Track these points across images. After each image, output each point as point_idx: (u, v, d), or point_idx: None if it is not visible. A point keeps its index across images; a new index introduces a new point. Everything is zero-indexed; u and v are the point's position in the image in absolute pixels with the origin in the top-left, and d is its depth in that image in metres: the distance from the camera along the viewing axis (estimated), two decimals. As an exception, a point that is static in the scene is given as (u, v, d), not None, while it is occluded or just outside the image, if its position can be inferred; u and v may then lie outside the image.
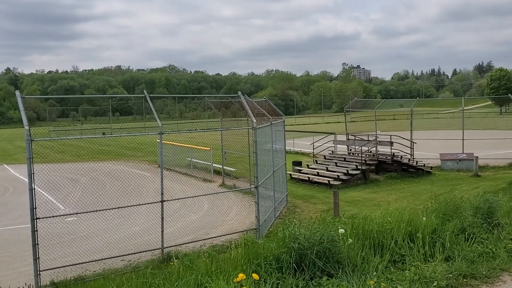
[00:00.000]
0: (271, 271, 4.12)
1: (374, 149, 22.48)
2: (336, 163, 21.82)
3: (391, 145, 21.73)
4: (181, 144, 24.30)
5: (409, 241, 5.15)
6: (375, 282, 4.09)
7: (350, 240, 4.66)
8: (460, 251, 5.23)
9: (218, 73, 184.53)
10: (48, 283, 9.51)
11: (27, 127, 9.27)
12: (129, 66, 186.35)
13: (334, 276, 4.22)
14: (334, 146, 24.83)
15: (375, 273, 4.41)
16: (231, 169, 21.57)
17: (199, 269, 4.03)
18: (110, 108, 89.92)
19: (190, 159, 24.40)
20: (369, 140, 23.02)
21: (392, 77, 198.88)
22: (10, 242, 12.94)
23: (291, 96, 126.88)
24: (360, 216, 6.09)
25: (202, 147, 23.65)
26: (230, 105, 21.64)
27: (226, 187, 19.78)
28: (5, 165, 31.83)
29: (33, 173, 9.39)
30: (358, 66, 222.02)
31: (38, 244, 9.37)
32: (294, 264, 4.21)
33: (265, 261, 4.21)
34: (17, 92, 9.84)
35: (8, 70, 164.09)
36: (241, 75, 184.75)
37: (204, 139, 25.35)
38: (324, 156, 23.93)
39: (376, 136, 23.69)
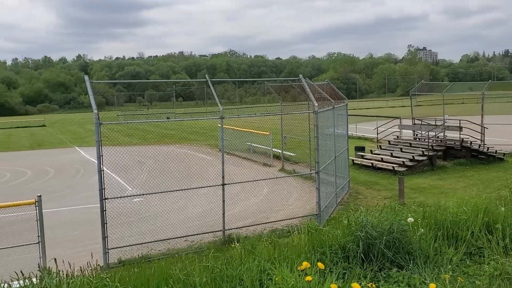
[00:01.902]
0: (336, 260, 3.96)
1: (442, 134, 21.43)
2: (401, 148, 21.04)
3: (460, 130, 20.61)
4: (241, 129, 24.42)
5: (486, 232, 4.76)
6: (451, 276, 3.80)
7: (422, 230, 4.37)
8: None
9: (278, 57, 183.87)
10: (116, 260, 9.91)
11: (95, 111, 9.59)
12: (191, 52, 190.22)
13: (404, 268, 3.98)
14: (399, 131, 23.94)
15: (449, 266, 4.11)
16: (291, 154, 21.42)
17: (261, 254, 3.94)
18: (174, 94, 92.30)
19: (249, 143, 24.50)
20: (436, 125, 21.96)
21: (460, 59, 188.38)
22: (80, 221, 13.61)
23: (353, 79, 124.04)
24: (428, 204, 5.75)
25: (261, 132, 23.64)
26: (290, 89, 21.35)
27: (285, 172, 19.68)
28: (76, 147, 33.62)
29: (102, 155, 9.72)
30: (424, 48, 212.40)
31: (106, 223, 9.76)
32: (361, 254, 4.01)
33: (330, 250, 4.04)
34: (86, 77, 10.20)
35: (79, 57, 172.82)
36: (301, 59, 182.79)
37: (263, 123, 25.28)
38: (389, 141, 23.15)
39: (444, 121, 22.56)
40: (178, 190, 12.00)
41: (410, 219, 4.43)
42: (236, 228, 11.69)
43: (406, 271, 3.92)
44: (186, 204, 14.08)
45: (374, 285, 3.60)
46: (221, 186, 11.37)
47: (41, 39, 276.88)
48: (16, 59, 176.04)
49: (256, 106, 63.81)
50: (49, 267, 3.80)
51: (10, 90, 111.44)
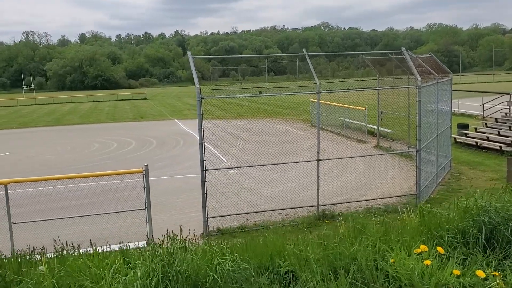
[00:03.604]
0: (456, 245, 3.76)
1: (560, 112, 19.40)
2: (510, 127, 19.39)
3: None
4: (335, 104, 23.97)
5: None
6: None
7: None
8: None
9: (374, 29, 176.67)
10: (214, 229, 10.36)
11: (197, 86, 9.93)
12: (284, 26, 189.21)
13: None
14: (508, 108, 22.05)
15: None
16: (387, 130, 20.66)
17: (373, 234, 3.86)
18: (266, 68, 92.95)
19: (343, 119, 24.01)
20: (554, 102, 19.91)
21: None
22: (182, 189, 14.36)
23: (455, 52, 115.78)
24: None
25: (356, 107, 23.03)
26: (386, 62, 20.42)
27: (381, 149, 19.09)
28: (175, 120, 35.36)
29: (203, 128, 10.08)
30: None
31: (206, 193, 10.21)
32: (483, 240, 3.77)
33: (448, 234, 3.84)
34: (189, 53, 10.56)
35: (176, 32, 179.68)
36: (399, 30, 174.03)
37: (357, 98, 24.60)
38: (496, 119, 21.43)
39: None
40: (273, 164, 12.16)
41: (539, 204, 4.07)
42: (330, 204, 11.62)
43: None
44: (279, 178, 14.24)
45: (499, 274, 3.38)
46: (316, 161, 11.32)
47: (142, 15, 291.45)
48: (120, 35, 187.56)
49: (350, 80, 62.22)
50: (172, 231, 4.05)
51: (115, 65, 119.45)
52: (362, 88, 18.72)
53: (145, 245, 5.76)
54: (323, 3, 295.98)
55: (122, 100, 61.87)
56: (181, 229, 4.08)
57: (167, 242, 3.72)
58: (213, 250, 3.57)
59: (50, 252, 4.42)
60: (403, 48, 12.48)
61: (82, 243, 5.03)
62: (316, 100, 11.48)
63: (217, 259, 3.35)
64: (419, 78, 11.26)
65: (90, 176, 10.46)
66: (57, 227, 8.75)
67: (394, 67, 18.75)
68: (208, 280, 3.24)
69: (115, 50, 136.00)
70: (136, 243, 5.82)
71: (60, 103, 59.89)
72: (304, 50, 11.47)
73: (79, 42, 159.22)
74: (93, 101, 61.32)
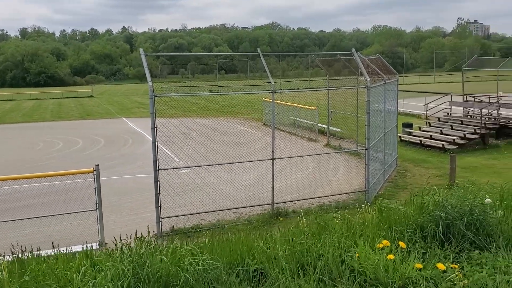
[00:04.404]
0: (415, 239, 3.94)
1: (496, 112, 20.61)
2: (451, 126, 20.42)
3: (516, 108, 19.77)
4: (287, 103, 24.29)
5: None
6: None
7: (501, 212, 4.27)
8: None
9: (322, 30, 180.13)
10: (168, 229, 10.24)
11: (150, 83, 9.79)
12: (234, 24, 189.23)
13: (484, 251, 3.91)
14: (450, 108, 23.19)
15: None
16: (336, 129, 21.20)
17: (336, 230, 3.98)
18: (217, 66, 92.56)
19: (295, 118, 24.39)
20: (490, 102, 21.13)
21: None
22: (133, 189, 14.07)
23: (399, 54, 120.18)
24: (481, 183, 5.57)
25: (308, 106, 23.45)
26: (333, 63, 20.96)
27: (332, 148, 19.56)
28: (123, 118, 34.54)
29: (156, 127, 9.92)
30: (476, 21, 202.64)
31: (160, 193, 10.07)
32: (440, 235, 3.96)
33: (407, 229, 4.02)
34: (141, 50, 10.39)
35: (124, 29, 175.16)
36: (345, 32, 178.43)
37: (307, 98, 25.04)
38: (438, 118, 22.49)
39: (498, 98, 21.65)
40: (227, 163, 12.17)
41: (488, 200, 4.32)
42: (284, 202, 11.79)
43: (489, 253, 3.86)
44: (233, 177, 14.27)
45: (457, 266, 3.58)
46: (271, 160, 11.45)
47: (88, 10, 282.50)
48: (64, 30, 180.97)
49: (300, 80, 63.11)
50: (141, 233, 3.98)
51: (59, 61, 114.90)
52: (315, 88, 19.09)
53: (98, 247, 5.61)
54: (271, 3, 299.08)
55: (68, 98, 59.64)
56: (149, 229, 4.02)
57: (136, 243, 3.65)
58: (182, 250, 3.55)
59: (6, 255, 4.22)
60: (353, 50, 12.84)
61: (32, 246, 4.84)
62: (269, 99, 11.60)
63: (189, 259, 3.33)
64: (369, 79, 11.63)
65: (37, 177, 10.05)
66: (3, 230, 8.36)
67: (342, 68, 19.27)
68: (180, 280, 3.22)
69: (59, 46, 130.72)
70: (88, 245, 5.65)
71: (1, 100, 56.89)
72: (258, 49, 11.57)
73: (19, 37, 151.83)
74: (37, 98, 58.68)
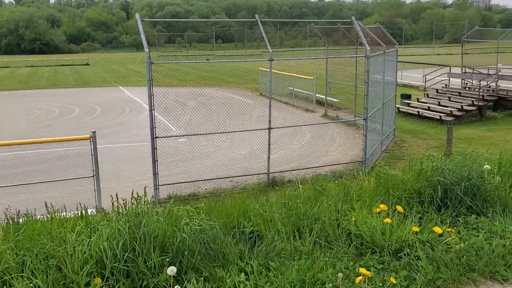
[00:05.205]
0: (412, 204, 3.95)
1: (494, 84, 20.52)
2: (449, 97, 20.36)
3: (515, 80, 19.67)
4: (284, 73, 24.05)
5: None
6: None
7: (499, 178, 4.28)
8: None
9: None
10: (165, 196, 10.29)
11: (147, 50, 9.64)
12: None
13: (481, 216, 3.95)
14: (448, 80, 23.07)
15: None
16: (334, 99, 21.09)
17: (334, 195, 3.99)
18: (214, 35, 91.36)
19: (292, 88, 24.19)
20: (489, 74, 21.01)
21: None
22: (130, 157, 14.06)
23: (398, 24, 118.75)
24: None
25: (305, 76, 23.24)
26: (332, 32, 20.69)
27: (329, 118, 19.50)
28: (120, 87, 34.25)
29: (153, 95, 9.83)
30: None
31: (157, 160, 10.07)
32: (438, 200, 3.99)
33: (405, 194, 4.03)
34: (137, 15, 10.18)
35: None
36: (345, 1, 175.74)
37: (304, 67, 24.80)
38: (436, 89, 22.40)
39: (497, 70, 21.52)
40: (224, 133, 12.15)
41: (487, 166, 4.33)
42: (280, 172, 11.83)
43: (485, 218, 3.89)
44: (229, 146, 14.27)
45: (454, 230, 3.61)
46: (267, 130, 11.41)
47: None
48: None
49: (298, 50, 62.49)
50: (137, 193, 3.98)
51: (54, 28, 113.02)
52: (313, 57, 18.83)
53: (94, 213, 5.61)
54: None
55: (63, 65, 58.92)
56: (145, 191, 4.02)
57: (132, 203, 3.65)
58: (179, 211, 3.56)
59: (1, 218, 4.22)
60: (353, 18, 12.63)
61: (29, 212, 4.84)
62: (266, 69, 11.48)
63: (185, 219, 3.34)
64: (368, 48, 11.50)
65: (33, 143, 10.00)
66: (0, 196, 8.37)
67: (341, 38, 19.03)
68: (176, 240, 3.24)
69: (54, 12, 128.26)
70: (84, 208, 5.66)
71: (-5, 67, 56.23)
72: (256, 16, 11.36)
73: (14, 3, 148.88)
74: (32, 66, 57.96)
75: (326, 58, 17.90)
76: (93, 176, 9.46)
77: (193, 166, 12.50)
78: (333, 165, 12.67)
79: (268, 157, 11.47)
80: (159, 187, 10.20)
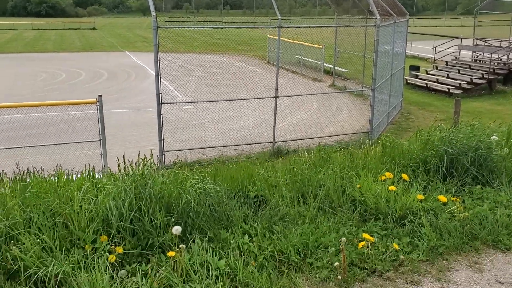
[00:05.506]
0: (418, 173, 3.95)
1: (506, 57, 20.18)
2: (459, 70, 20.08)
3: (527, 54, 19.33)
4: (292, 41, 23.70)
5: None
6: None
7: (506, 150, 4.25)
8: None
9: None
10: (171, 163, 10.34)
11: (154, 14, 9.51)
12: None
13: (486, 186, 3.94)
14: (458, 52, 22.69)
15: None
16: (342, 69, 20.85)
17: (337, 162, 3.99)
18: (222, 1, 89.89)
19: (299, 56, 23.90)
20: (501, 47, 20.64)
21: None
22: (136, 123, 14.08)
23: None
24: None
25: (314, 45, 22.90)
26: (342, 1, 20.30)
27: (336, 88, 19.34)
28: (127, 52, 34.00)
29: (159, 60, 9.75)
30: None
31: (163, 127, 10.08)
32: (443, 169, 3.98)
33: (410, 163, 4.03)
34: (145, -22, 9.98)
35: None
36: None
37: (313, 36, 24.44)
38: (446, 62, 22.07)
39: (510, 43, 21.12)
40: (230, 100, 12.09)
41: (494, 137, 4.30)
42: (285, 141, 11.83)
43: (491, 188, 3.89)
44: (235, 114, 14.23)
45: (458, 199, 3.62)
46: (274, 98, 11.35)
47: None
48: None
49: (307, 18, 61.38)
50: (144, 154, 4.00)
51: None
52: (322, 25, 18.49)
53: (101, 176, 5.66)
54: None
55: (70, 29, 58.36)
56: (152, 153, 4.04)
57: (138, 165, 3.68)
58: (185, 174, 3.59)
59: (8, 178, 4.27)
60: (364, -15, 12.35)
61: (34, 170, 4.88)
62: (274, 36, 11.32)
63: (190, 182, 3.37)
64: (379, 17, 11.28)
65: (40, 105, 10.02)
66: (5, 158, 8.45)
67: (351, 7, 18.67)
68: (181, 201, 3.27)
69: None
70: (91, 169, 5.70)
71: (2, 29, 55.78)
72: (265, -19, 11.09)
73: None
74: (38, 29, 57.49)
75: (336, 26, 17.61)
76: (100, 140, 9.50)
77: (199, 134, 12.52)
78: (339, 135, 12.64)
79: (274, 126, 11.45)
80: (165, 153, 10.24)
